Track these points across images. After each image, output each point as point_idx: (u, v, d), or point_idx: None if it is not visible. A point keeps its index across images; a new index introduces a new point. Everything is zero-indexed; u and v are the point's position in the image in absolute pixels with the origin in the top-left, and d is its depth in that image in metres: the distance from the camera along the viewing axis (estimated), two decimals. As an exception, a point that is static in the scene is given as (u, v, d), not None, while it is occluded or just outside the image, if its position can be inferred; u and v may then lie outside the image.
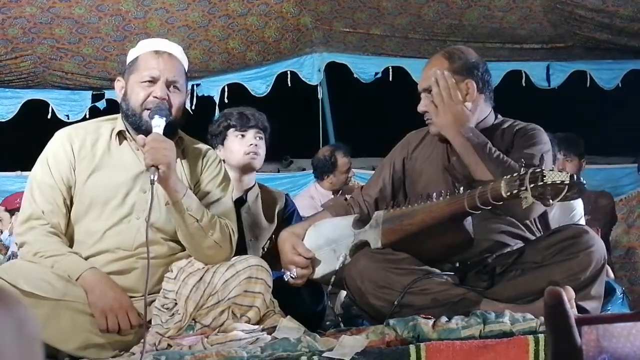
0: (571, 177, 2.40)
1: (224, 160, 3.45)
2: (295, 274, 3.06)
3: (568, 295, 2.57)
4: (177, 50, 2.97)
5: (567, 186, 2.39)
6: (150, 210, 2.59)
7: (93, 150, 2.88)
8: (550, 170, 2.44)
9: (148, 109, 2.82)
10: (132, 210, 2.82)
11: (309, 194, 6.10)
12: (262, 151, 3.80)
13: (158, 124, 2.76)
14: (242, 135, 3.76)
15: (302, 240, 3.14)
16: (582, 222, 4.35)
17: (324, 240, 3.10)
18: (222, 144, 3.80)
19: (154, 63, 2.87)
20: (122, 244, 2.80)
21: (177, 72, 2.90)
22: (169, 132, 2.79)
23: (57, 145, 2.89)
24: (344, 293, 3.37)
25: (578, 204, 4.43)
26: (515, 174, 2.51)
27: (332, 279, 3.04)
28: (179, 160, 2.91)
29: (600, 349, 0.72)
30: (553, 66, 7.76)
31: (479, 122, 3.06)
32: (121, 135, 2.92)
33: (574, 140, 5.31)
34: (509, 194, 2.51)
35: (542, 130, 3.07)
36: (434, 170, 3.12)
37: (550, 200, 2.43)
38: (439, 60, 3.07)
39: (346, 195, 3.38)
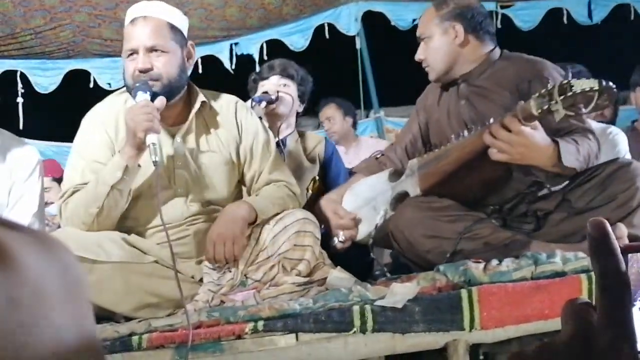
0: (599, 82, 2.35)
1: (261, 118, 3.35)
2: (342, 237, 3.06)
3: (620, 232, 2.53)
4: (156, 9, 2.80)
5: (597, 92, 2.35)
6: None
7: None
8: (577, 79, 2.40)
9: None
10: (174, 187, 2.80)
11: None
12: (287, 97, 3.62)
13: (142, 99, 2.64)
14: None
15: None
16: (628, 157, 4.25)
17: (363, 200, 3.11)
18: None
19: (132, 34, 2.78)
20: (172, 220, 2.74)
21: (154, 34, 2.75)
22: (172, 96, 2.74)
23: (93, 137, 2.82)
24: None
25: (621, 140, 4.32)
26: (543, 90, 2.47)
27: (372, 234, 3.02)
28: (212, 131, 2.86)
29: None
30: (595, 1, 7.58)
31: (483, 59, 3.04)
32: None
33: None
34: (539, 111, 2.48)
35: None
36: (444, 115, 3.13)
37: (583, 109, 2.39)
38: (429, 10, 3.16)
39: (376, 155, 3.33)
